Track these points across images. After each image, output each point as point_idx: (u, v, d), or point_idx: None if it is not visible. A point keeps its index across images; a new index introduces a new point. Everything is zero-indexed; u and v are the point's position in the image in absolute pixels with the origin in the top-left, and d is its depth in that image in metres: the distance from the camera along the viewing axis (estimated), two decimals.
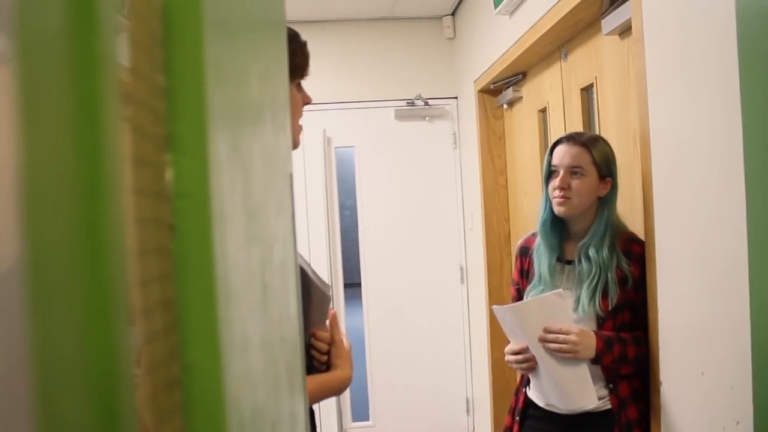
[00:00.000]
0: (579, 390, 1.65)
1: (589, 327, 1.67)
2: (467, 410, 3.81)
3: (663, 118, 1.54)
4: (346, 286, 3.85)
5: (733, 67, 1.21)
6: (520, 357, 1.70)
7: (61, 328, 0.17)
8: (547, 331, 1.63)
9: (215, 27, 0.36)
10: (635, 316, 1.66)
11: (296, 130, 1.29)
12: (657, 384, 1.59)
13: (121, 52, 0.25)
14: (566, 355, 1.61)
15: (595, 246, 1.68)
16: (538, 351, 1.68)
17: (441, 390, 3.79)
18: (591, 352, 1.61)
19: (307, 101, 1.29)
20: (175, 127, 0.31)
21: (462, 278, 3.81)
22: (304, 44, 1.25)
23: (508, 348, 1.76)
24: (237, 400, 0.36)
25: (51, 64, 0.16)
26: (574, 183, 1.70)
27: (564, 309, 1.65)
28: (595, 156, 1.71)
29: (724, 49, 1.24)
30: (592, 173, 1.71)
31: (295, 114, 1.28)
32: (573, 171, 1.71)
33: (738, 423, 1.28)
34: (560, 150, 1.75)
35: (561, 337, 1.61)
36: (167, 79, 0.31)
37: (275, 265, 0.60)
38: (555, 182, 1.73)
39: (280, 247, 0.64)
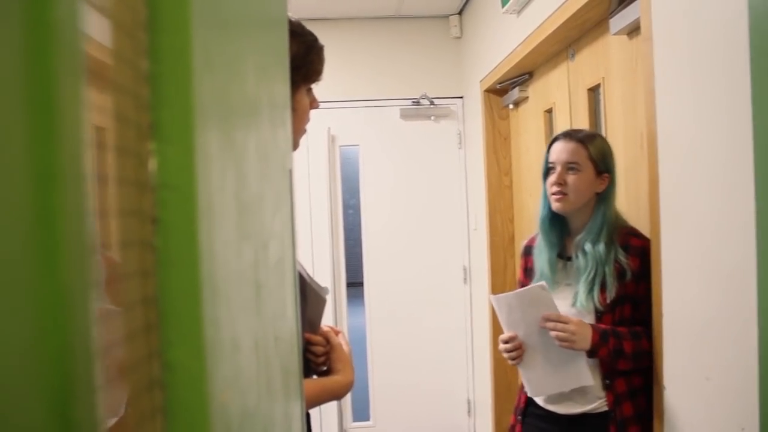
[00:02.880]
0: (575, 369, 1.66)
1: (588, 321, 1.68)
2: (468, 411, 3.79)
3: (671, 119, 1.52)
4: (349, 285, 3.84)
5: (742, 67, 1.19)
6: (509, 345, 1.71)
7: (11, 329, 0.16)
8: (546, 318, 1.64)
9: (206, 11, 0.35)
10: (636, 311, 1.66)
11: (300, 132, 1.27)
12: (660, 388, 1.57)
13: (92, 26, 0.23)
14: (563, 343, 1.62)
15: (591, 241, 1.69)
16: (531, 339, 1.70)
17: (442, 391, 3.77)
18: (587, 343, 1.61)
19: (314, 106, 1.28)
20: (160, 114, 0.29)
21: (465, 279, 3.79)
22: (321, 49, 1.24)
23: (500, 337, 1.78)
24: (224, 403, 0.35)
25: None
26: (570, 179, 1.72)
27: (549, 300, 1.67)
28: (592, 152, 1.72)
29: (734, 50, 1.22)
30: (588, 169, 1.72)
31: (303, 117, 1.27)
32: (569, 167, 1.72)
33: (743, 430, 1.26)
34: (557, 146, 1.76)
35: (559, 325, 1.62)
36: (152, 64, 0.29)
37: (271, 262, 0.58)
38: (552, 178, 1.74)
39: (277, 245, 0.63)
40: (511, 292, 1.74)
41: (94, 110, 0.25)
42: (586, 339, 1.61)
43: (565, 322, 1.62)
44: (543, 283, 1.70)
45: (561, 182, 1.72)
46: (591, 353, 1.63)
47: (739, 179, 1.22)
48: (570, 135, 1.77)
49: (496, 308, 1.77)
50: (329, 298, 3.86)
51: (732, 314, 1.28)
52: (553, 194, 1.74)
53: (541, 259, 1.80)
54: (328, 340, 1.32)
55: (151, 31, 0.29)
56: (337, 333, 1.37)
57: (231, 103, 0.41)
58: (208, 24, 0.35)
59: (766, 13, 1.13)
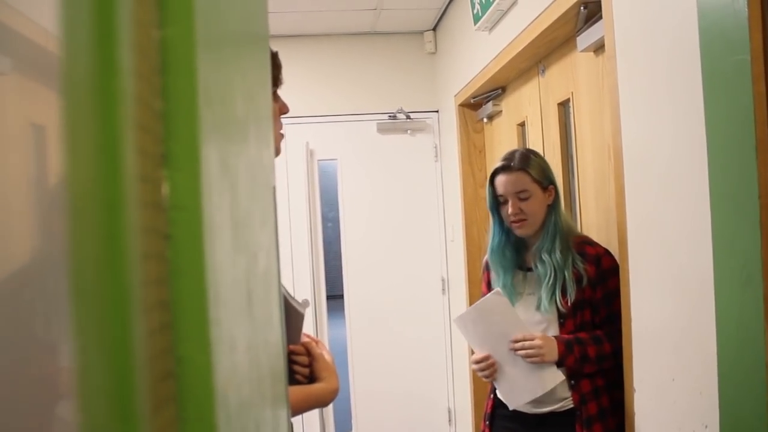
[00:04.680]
0: (547, 371, 1.74)
1: (552, 327, 1.79)
2: (449, 420, 3.84)
3: (634, 133, 1.60)
4: (329, 297, 3.88)
5: (698, 82, 1.27)
6: (483, 365, 1.80)
7: (92, 317, 0.21)
8: (513, 341, 1.74)
9: (206, 53, 0.40)
10: (595, 315, 1.77)
11: (277, 138, 1.32)
12: (631, 390, 1.64)
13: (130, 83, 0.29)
14: (534, 359, 1.72)
15: (547, 249, 1.79)
16: (500, 351, 1.77)
17: (423, 400, 3.82)
18: (554, 355, 1.72)
19: (284, 110, 1.33)
20: (171, 146, 0.35)
21: (443, 289, 3.85)
22: (275, 55, 1.29)
23: (472, 357, 1.86)
24: (225, 393, 0.40)
25: (84, 101, 0.20)
26: (524, 206, 1.82)
27: (507, 306, 1.77)
28: (533, 174, 1.83)
29: (691, 66, 1.30)
30: (536, 191, 1.83)
31: (276, 122, 1.32)
32: (520, 197, 1.83)
33: (706, 427, 1.33)
34: (500, 180, 1.86)
35: (527, 343, 1.72)
36: (164, 104, 0.35)
37: (259, 272, 0.63)
38: (507, 209, 1.84)
39: (264, 257, 0.68)
40: (470, 308, 1.85)
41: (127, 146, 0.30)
42: (553, 351, 1.72)
43: (531, 339, 1.72)
44: (497, 289, 1.80)
45: (517, 211, 1.82)
46: (558, 363, 1.73)
47: (699, 189, 1.29)
48: (508, 167, 1.86)
49: (461, 330, 1.87)
50: (310, 310, 3.89)
51: (694, 318, 1.35)
52: (513, 222, 1.84)
53: (499, 284, 1.89)
54: (309, 351, 1.37)
55: (164, 75, 0.35)
56: (317, 343, 1.41)
57: (225, 129, 0.46)
58: (209, 64, 0.40)
59: (714, 35, 1.21)
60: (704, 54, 1.24)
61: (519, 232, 1.85)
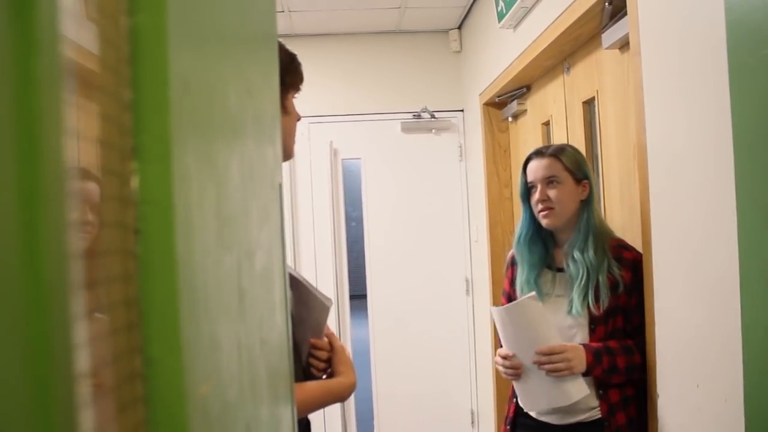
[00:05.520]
0: (573, 384, 1.66)
1: (582, 333, 1.70)
2: (472, 422, 3.81)
3: (659, 131, 1.55)
4: (352, 297, 3.87)
5: (726, 80, 1.23)
6: (507, 363, 1.72)
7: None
8: (539, 353, 1.65)
9: (186, 43, 0.39)
10: (627, 323, 1.68)
11: (293, 136, 1.33)
12: (654, 396, 1.60)
13: (80, 61, 0.28)
14: (563, 372, 1.63)
15: (579, 248, 1.71)
16: (527, 356, 1.69)
17: (446, 401, 3.79)
18: (582, 366, 1.63)
19: (297, 119, 1.34)
20: (140, 139, 0.33)
21: (467, 290, 3.82)
22: (293, 59, 1.30)
23: (499, 350, 1.79)
24: (203, 396, 0.38)
25: None
26: (552, 192, 1.75)
27: (541, 310, 1.68)
28: (566, 162, 1.76)
29: (718, 63, 1.25)
30: (567, 179, 1.76)
31: (294, 122, 1.33)
32: (549, 182, 1.76)
33: None
34: (531, 166, 1.81)
35: (555, 357, 1.63)
36: (134, 94, 0.33)
37: (256, 271, 0.62)
38: (535, 196, 1.78)
39: (264, 255, 0.67)
40: (502, 307, 1.75)
41: (83, 135, 0.29)
42: (582, 362, 1.63)
43: (560, 352, 1.63)
44: (533, 293, 1.70)
45: (544, 198, 1.75)
46: (586, 373, 1.65)
47: (725, 190, 1.25)
48: (541, 152, 1.81)
49: (495, 319, 1.79)
50: (333, 310, 3.90)
51: (719, 322, 1.31)
52: (540, 211, 1.77)
53: (520, 280, 1.82)
54: (332, 344, 1.37)
55: (134, 66, 0.33)
56: (332, 334, 1.41)
57: (211, 124, 0.45)
58: (188, 54, 0.39)
59: (743, 29, 1.17)
60: (731, 48, 1.20)
61: (545, 222, 1.76)
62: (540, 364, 1.65)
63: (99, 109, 0.31)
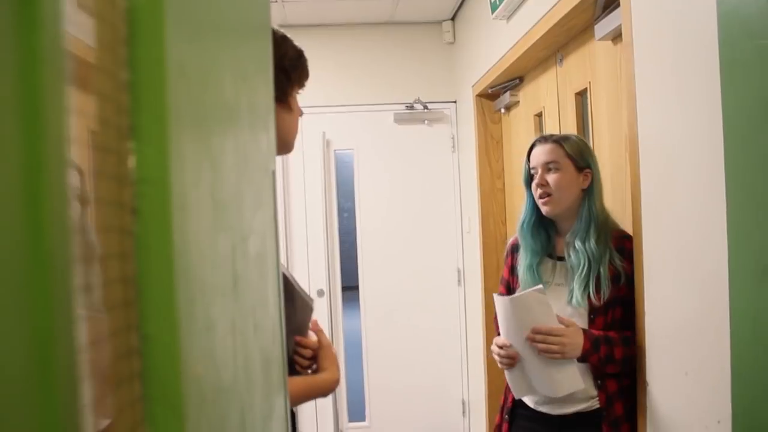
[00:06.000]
0: (566, 376, 1.65)
1: (580, 323, 1.68)
2: (463, 412, 3.83)
3: (651, 122, 1.56)
4: (344, 288, 3.88)
5: (716, 72, 1.23)
6: (502, 352, 1.71)
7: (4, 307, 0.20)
8: (535, 331, 1.63)
9: (181, 27, 0.39)
10: (627, 314, 1.67)
11: (295, 133, 1.33)
12: (644, 383, 1.61)
13: (78, 42, 0.28)
14: (554, 355, 1.62)
15: (580, 238, 1.70)
16: (524, 348, 1.68)
17: (437, 391, 3.81)
18: (578, 351, 1.62)
19: (300, 114, 1.34)
20: (138, 118, 0.34)
21: (459, 281, 3.84)
22: (300, 54, 1.29)
23: (496, 339, 1.78)
24: (197, 374, 0.39)
25: None
26: (551, 178, 1.74)
27: (546, 304, 1.65)
28: (568, 149, 1.75)
29: (710, 54, 1.26)
30: (568, 166, 1.74)
31: (297, 118, 1.32)
32: (549, 167, 1.75)
33: (719, 422, 1.30)
34: (535, 152, 1.80)
35: (550, 338, 1.61)
36: (131, 75, 0.34)
37: (250, 256, 0.62)
38: (535, 181, 1.77)
39: (257, 240, 0.67)
40: (508, 297, 1.71)
41: (81, 114, 0.30)
42: (578, 347, 1.61)
43: (558, 335, 1.60)
44: (540, 286, 1.67)
45: (543, 183, 1.74)
46: (581, 359, 1.64)
47: (715, 181, 1.26)
48: (545, 138, 1.80)
49: (498, 308, 1.75)
50: (324, 301, 3.90)
51: (708, 311, 1.32)
52: (540, 198, 1.76)
53: (522, 265, 1.81)
54: (319, 341, 1.37)
55: (130, 45, 0.34)
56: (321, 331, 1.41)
57: (207, 108, 0.45)
58: (184, 38, 0.39)
59: (733, 22, 1.17)
60: (723, 40, 1.21)
61: (545, 210, 1.75)
62: (533, 341, 1.63)
63: (97, 89, 0.32)
